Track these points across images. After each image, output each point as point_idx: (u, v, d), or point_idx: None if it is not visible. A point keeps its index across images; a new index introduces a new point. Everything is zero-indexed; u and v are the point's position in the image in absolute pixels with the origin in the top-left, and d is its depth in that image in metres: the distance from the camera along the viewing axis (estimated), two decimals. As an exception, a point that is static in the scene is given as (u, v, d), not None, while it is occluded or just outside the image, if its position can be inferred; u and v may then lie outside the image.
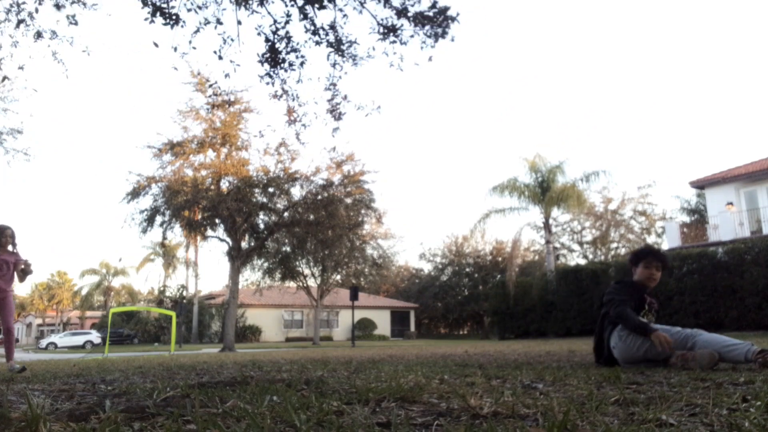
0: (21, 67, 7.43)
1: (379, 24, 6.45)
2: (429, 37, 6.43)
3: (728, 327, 17.84)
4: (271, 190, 21.25)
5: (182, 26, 5.93)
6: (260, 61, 6.36)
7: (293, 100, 7.01)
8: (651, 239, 37.63)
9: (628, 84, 78.20)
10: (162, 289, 47.29)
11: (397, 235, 50.29)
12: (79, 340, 38.55)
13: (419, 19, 6.35)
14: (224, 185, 20.96)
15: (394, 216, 48.31)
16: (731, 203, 21.28)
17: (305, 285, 29.02)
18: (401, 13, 6.37)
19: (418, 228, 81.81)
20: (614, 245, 39.29)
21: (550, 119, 78.30)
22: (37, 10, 6.63)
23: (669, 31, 75.78)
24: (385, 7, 6.37)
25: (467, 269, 48.34)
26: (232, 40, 6.23)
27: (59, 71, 8.39)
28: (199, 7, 6.02)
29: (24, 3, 6.61)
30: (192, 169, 20.87)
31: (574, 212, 31.92)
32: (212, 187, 20.63)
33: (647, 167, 77.38)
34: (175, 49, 6.02)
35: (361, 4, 6.34)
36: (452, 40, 6.46)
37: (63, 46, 7.28)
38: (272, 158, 21.05)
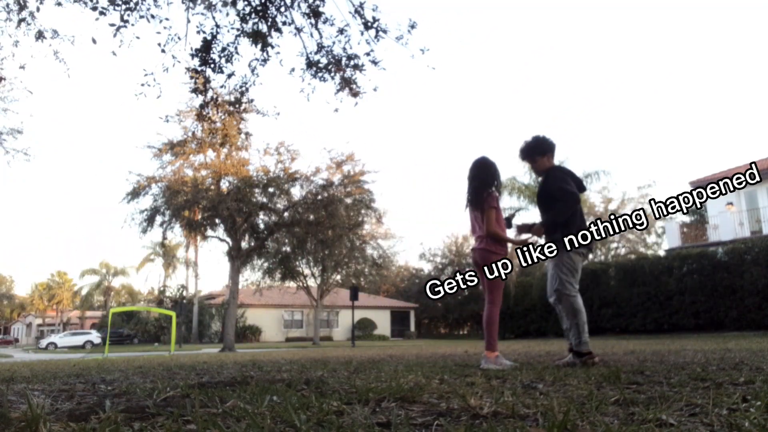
0: (22, 67, 7.41)
1: (307, 54, 6.73)
2: (340, 90, 6.76)
3: (728, 327, 17.83)
4: (271, 190, 21.24)
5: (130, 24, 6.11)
6: (192, 55, 6.52)
7: (211, 99, 7.41)
8: (651, 239, 37.64)
9: (629, 83, 78.24)
10: (162, 289, 47.27)
11: (397, 235, 50.28)
12: (79, 340, 38.51)
13: (332, 69, 6.70)
14: (224, 185, 20.95)
15: (394, 216, 48.27)
16: (731, 203, 21.26)
17: (305, 285, 28.99)
18: (329, 55, 6.68)
19: (418, 228, 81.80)
20: (614, 245, 39.26)
21: (550, 119, 78.34)
22: (38, 9, 6.62)
23: (669, 31, 75.83)
24: (317, 53, 6.69)
25: (467, 269, 48.31)
26: (179, 38, 6.41)
27: (60, 71, 8.40)
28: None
29: (26, 2, 6.61)
30: (192, 169, 20.89)
31: (574, 212, 31.86)
32: (212, 187, 20.63)
33: (647, 167, 77.41)
34: (115, 33, 6.17)
35: (298, 30, 6.56)
36: (375, 89, 6.85)
37: (65, 45, 7.27)
38: (272, 158, 21.10)
